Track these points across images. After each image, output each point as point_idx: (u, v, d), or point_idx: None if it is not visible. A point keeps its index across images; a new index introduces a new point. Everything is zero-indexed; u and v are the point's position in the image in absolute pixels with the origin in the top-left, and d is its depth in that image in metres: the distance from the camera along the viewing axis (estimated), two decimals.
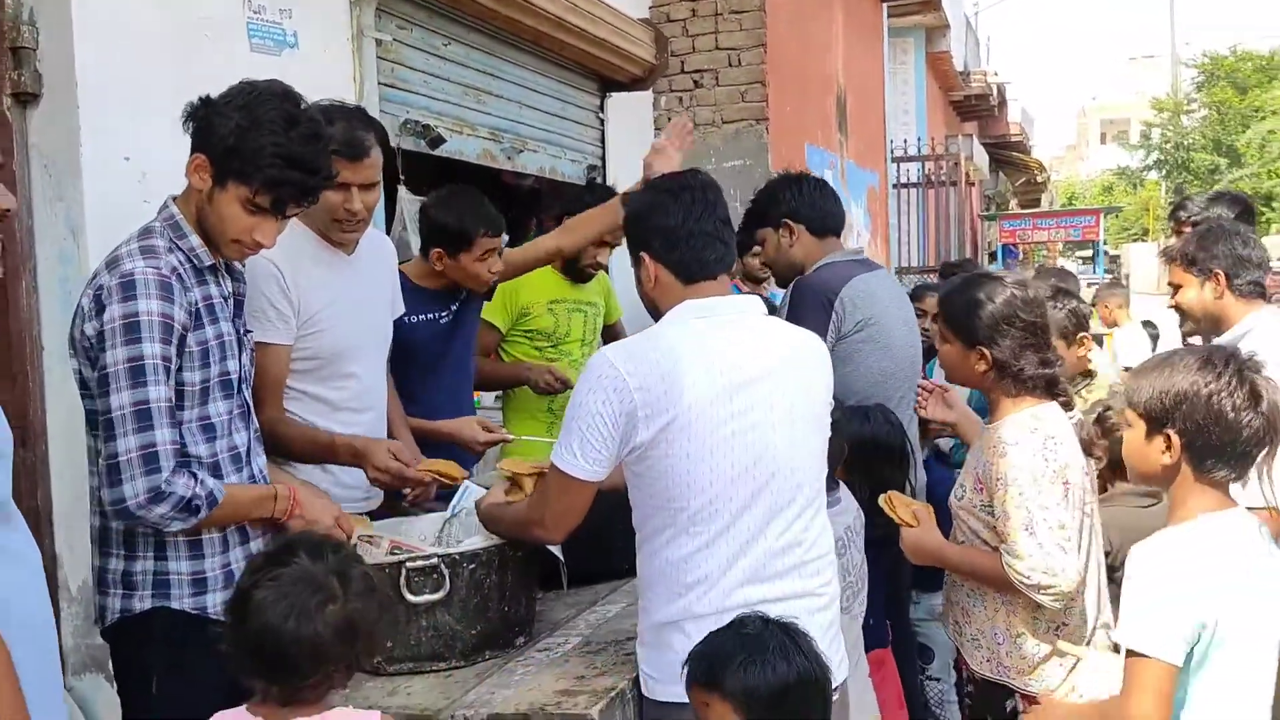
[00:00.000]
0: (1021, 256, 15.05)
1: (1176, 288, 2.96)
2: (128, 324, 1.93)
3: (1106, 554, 2.61)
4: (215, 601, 2.07)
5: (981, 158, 15.40)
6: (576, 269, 3.70)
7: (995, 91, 16.91)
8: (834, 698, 1.97)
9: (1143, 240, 32.76)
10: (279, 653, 1.52)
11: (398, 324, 2.83)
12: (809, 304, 2.94)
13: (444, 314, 3.09)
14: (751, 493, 1.98)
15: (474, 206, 3.06)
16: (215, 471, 2.08)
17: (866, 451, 2.78)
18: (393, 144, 3.56)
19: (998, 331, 2.39)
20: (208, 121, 2.03)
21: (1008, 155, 19.68)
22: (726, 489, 1.96)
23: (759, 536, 2.00)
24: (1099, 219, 13.51)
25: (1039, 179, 21.96)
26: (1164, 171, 32.36)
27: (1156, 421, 1.85)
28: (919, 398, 2.77)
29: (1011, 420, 2.40)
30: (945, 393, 2.78)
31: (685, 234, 2.01)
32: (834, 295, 2.93)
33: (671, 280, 2.03)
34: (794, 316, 2.88)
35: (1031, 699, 2.40)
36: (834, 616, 2.11)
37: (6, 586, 1.46)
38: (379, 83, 3.60)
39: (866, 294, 2.96)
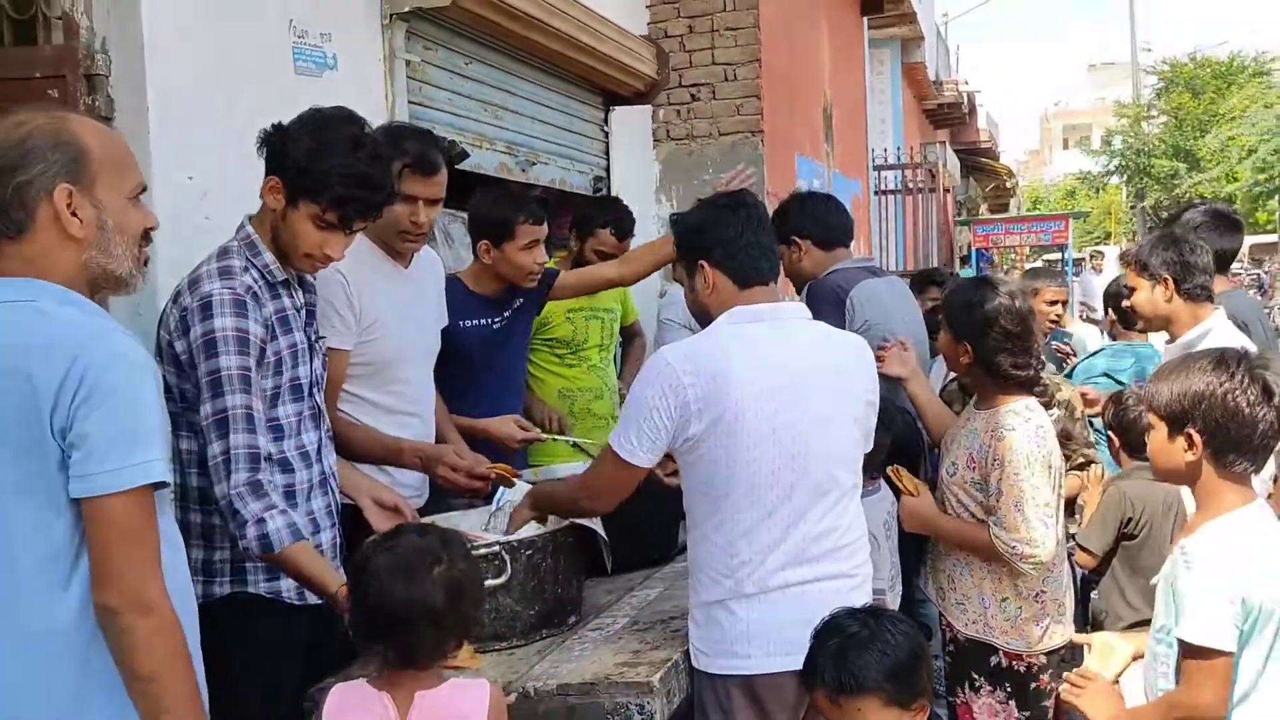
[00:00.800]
0: (994, 260, 15.40)
1: (1133, 290, 3.23)
2: (207, 341, 2.10)
3: (1128, 522, 2.93)
4: (289, 586, 2.23)
5: (954, 164, 15.77)
6: None
7: (966, 100, 17.29)
8: None
9: (1104, 243, 33.39)
10: (393, 612, 1.71)
11: (451, 327, 3.02)
12: (824, 301, 3.17)
13: (497, 320, 3.24)
14: (791, 484, 2.18)
15: (513, 198, 3.29)
16: (285, 467, 2.24)
17: (890, 453, 3.02)
18: None
19: (981, 332, 2.71)
20: (281, 146, 2.21)
21: (978, 161, 20.10)
22: (768, 479, 2.17)
23: (798, 523, 2.20)
24: (1068, 224, 13.89)
25: (1008, 184, 22.41)
26: (1125, 177, 32.99)
27: (1177, 422, 2.02)
28: (880, 351, 2.95)
29: (1009, 409, 2.71)
30: (904, 350, 3.07)
31: (743, 244, 2.25)
32: (845, 294, 3.17)
33: (729, 286, 2.26)
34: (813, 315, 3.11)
35: (1017, 656, 2.75)
36: (867, 594, 2.31)
37: (177, 572, 1.63)
38: (409, 101, 3.79)
39: (873, 296, 3.20)
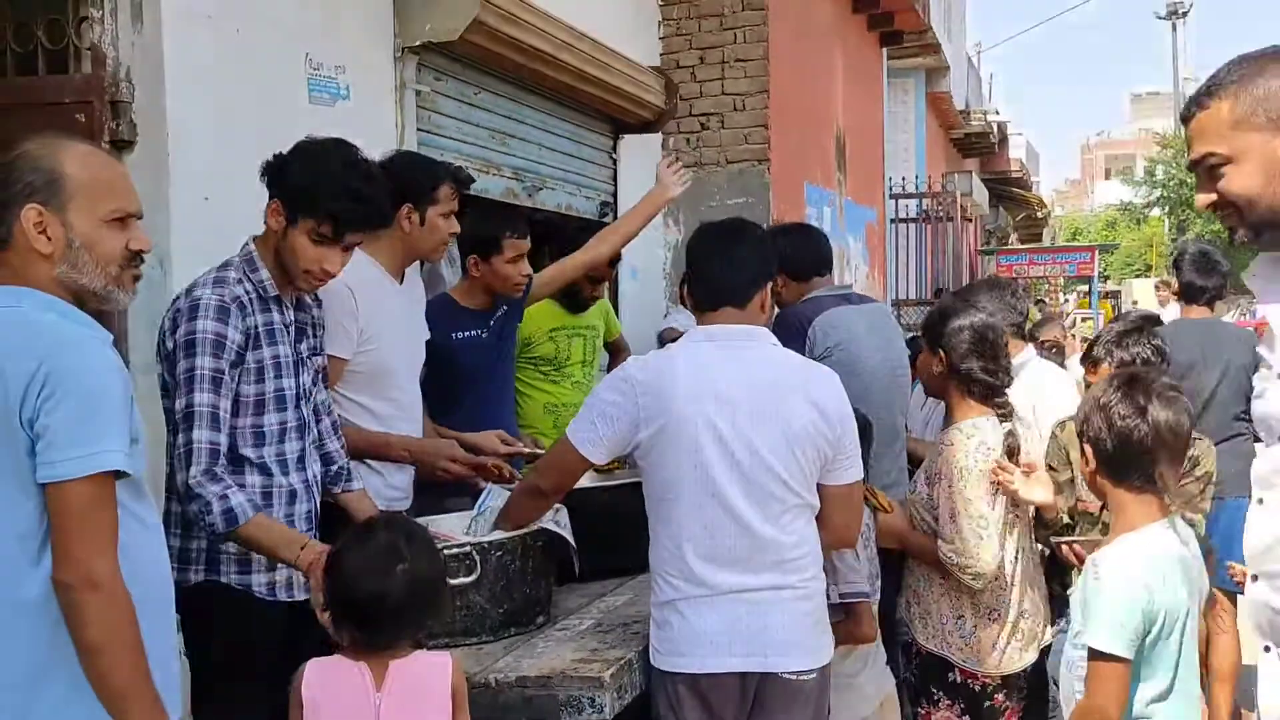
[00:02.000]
0: (1023, 290, 15.43)
1: None
2: (188, 341, 2.28)
3: None
4: (259, 582, 2.38)
5: (981, 194, 15.83)
6: (576, 300, 4.07)
7: (995, 129, 17.35)
8: (812, 681, 2.35)
9: (1145, 275, 33.11)
10: (359, 605, 1.91)
11: (444, 341, 3.22)
12: (786, 330, 3.30)
13: (484, 330, 3.43)
14: (734, 495, 2.32)
15: (499, 214, 3.57)
16: (265, 471, 2.39)
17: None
18: None
19: (953, 339, 2.92)
20: (281, 172, 2.42)
21: (1008, 191, 20.11)
22: (709, 488, 2.32)
23: (743, 534, 2.33)
24: (1094, 255, 13.93)
25: (1039, 214, 22.37)
26: (1167, 208, 32.73)
27: (1082, 435, 2.20)
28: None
29: (955, 427, 2.91)
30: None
31: (713, 268, 2.44)
32: (807, 323, 3.33)
33: (699, 307, 2.47)
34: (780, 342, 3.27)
35: (971, 674, 2.86)
36: (815, 607, 2.41)
37: (144, 551, 1.79)
38: (418, 129, 4.01)
39: (837, 323, 3.33)
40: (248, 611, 2.37)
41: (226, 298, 2.32)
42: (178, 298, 2.38)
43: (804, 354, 3.03)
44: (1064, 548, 2.88)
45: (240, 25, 3.19)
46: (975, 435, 2.86)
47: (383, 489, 2.91)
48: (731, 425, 2.31)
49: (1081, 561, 2.69)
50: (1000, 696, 2.95)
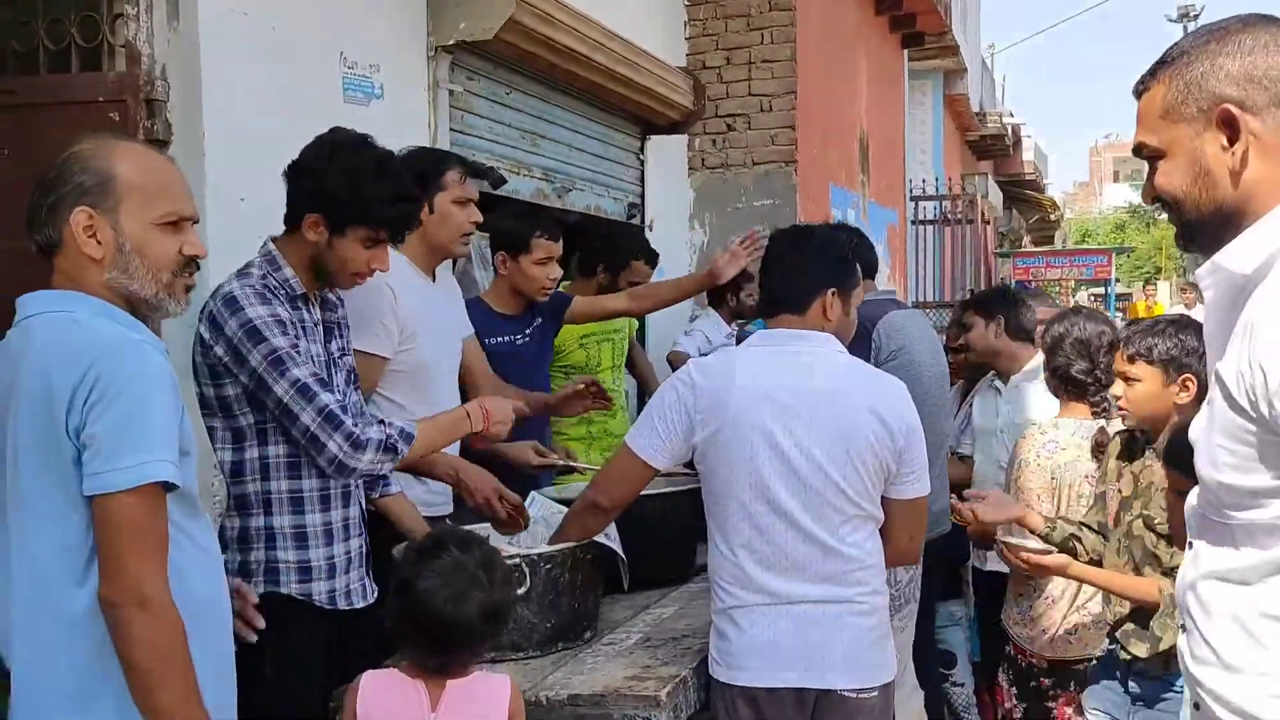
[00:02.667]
0: (1037, 292, 15.34)
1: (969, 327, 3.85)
2: (248, 330, 2.19)
3: None
4: (320, 590, 2.33)
5: (996, 196, 15.75)
6: None
7: (1010, 132, 17.25)
8: (874, 699, 2.28)
9: (1155, 279, 33.00)
10: (435, 631, 1.84)
11: (481, 344, 3.16)
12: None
13: (519, 336, 3.38)
14: (790, 502, 2.26)
15: (530, 213, 3.51)
16: (294, 472, 2.31)
17: None
18: None
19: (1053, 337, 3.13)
20: (314, 184, 2.31)
21: (1022, 193, 20.01)
22: (765, 494, 2.26)
23: (799, 542, 2.26)
24: (1110, 259, 13.84)
25: (1052, 217, 22.27)
26: None
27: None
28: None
29: (1035, 422, 3.24)
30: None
31: (772, 276, 2.42)
32: (871, 326, 3.26)
33: (765, 313, 2.45)
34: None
35: (1021, 650, 3.10)
36: (877, 623, 2.33)
37: (196, 570, 1.72)
38: (450, 129, 3.94)
39: (899, 327, 3.28)
40: (308, 621, 2.31)
41: (258, 285, 2.27)
42: (204, 306, 2.30)
43: (869, 357, 2.99)
44: (1005, 550, 2.74)
45: (277, 23, 3.13)
46: (1049, 433, 3.01)
47: (423, 494, 2.83)
48: (787, 431, 2.25)
49: (1028, 567, 2.66)
50: (1048, 680, 2.96)
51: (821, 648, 2.25)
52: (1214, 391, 1.33)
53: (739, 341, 5.38)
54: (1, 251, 2.83)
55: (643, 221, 5.65)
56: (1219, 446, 1.32)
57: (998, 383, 3.82)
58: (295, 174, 2.34)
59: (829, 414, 2.27)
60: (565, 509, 2.82)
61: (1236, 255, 1.31)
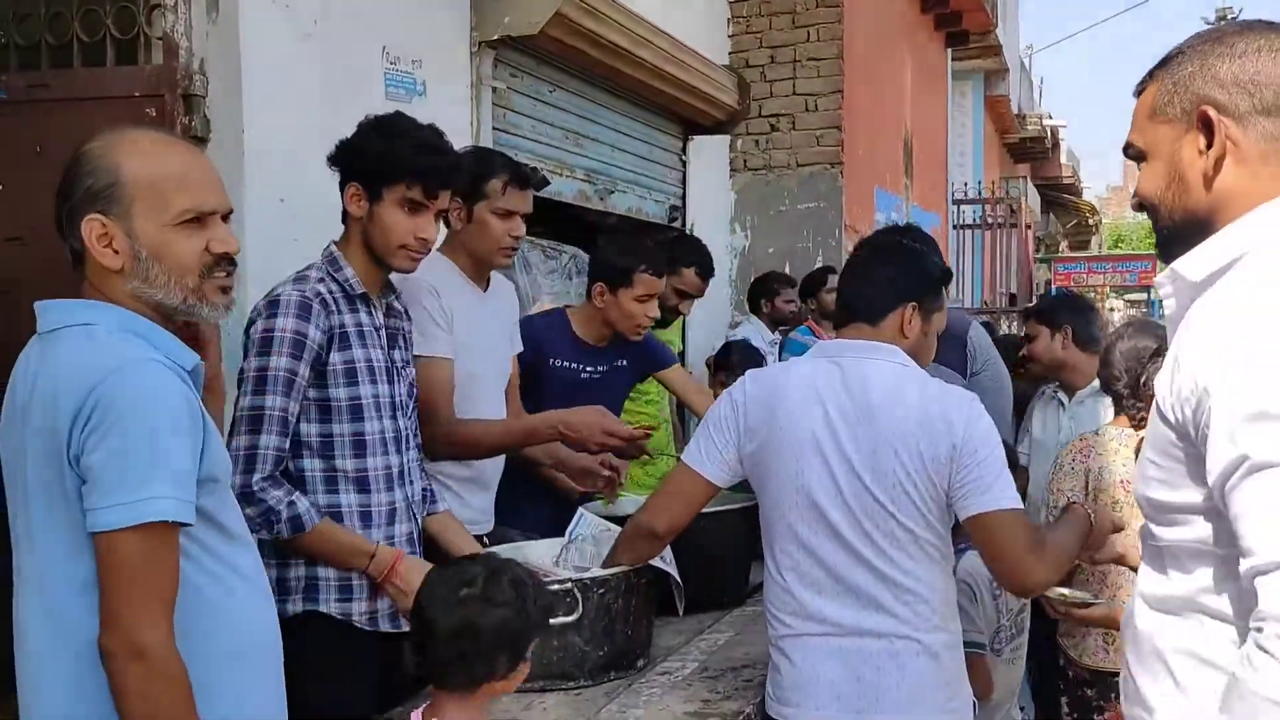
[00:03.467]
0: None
1: (1033, 338, 3.61)
2: (264, 338, 2.12)
3: None
4: (360, 610, 2.22)
5: (1034, 199, 15.48)
6: (661, 315, 3.82)
7: (1049, 134, 16.97)
8: None
9: None
10: (416, 629, 1.68)
11: (540, 362, 3.00)
12: (944, 343, 3.08)
13: (592, 370, 3.15)
14: (839, 522, 2.10)
15: (640, 245, 3.22)
16: (362, 487, 2.22)
17: None
18: None
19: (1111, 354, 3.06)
20: (351, 154, 2.27)
21: (1059, 197, 19.70)
22: (810, 513, 2.12)
23: (848, 565, 2.10)
24: (1155, 265, 13.53)
25: (1089, 221, 21.92)
26: None
27: None
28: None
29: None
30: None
31: (846, 288, 2.31)
32: (964, 334, 3.11)
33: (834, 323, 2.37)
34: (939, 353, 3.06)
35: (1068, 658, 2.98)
36: (946, 665, 2.14)
37: (242, 604, 1.58)
38: (493, 127, 3.81)
39: (985, 344, 3.15)
40: (348, 643, 2.20)
41: (309, 293, 2.17)
42: (256, 307, 2.22)
43: (964, 364, 2.85)
44: (1048, 602, 2.56)
45: (318, 15, 3.00)
46: (1089, 439, 2.99)
47: (459, 510, 2.69)
48: (836, 446, 2.10)
49: (1072, 620, 2.56)
50: (1090, 691, 2.86)
51: (876, 688, 2.08)
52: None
53: (781, 349, 5.24)
54: (38, 257, 2.75)
55: (684, 224, 5.50)
56: (1148, 460, 1.27)
57: (1061, 395, 3.63)
58: (335, 154, 2.30)
59: (879, 430, 2.10)
60: (615, 527, 2.69)
61: (1192, 263, 1.24)
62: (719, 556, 2.99)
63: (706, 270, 3.89)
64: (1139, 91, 1.33)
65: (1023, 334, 3.73)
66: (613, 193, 4.76)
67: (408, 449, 2.36)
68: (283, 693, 1.66)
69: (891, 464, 2.09)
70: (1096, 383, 3.51)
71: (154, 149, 1.55)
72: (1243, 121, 1.20)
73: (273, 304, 2.15)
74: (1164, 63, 1.29)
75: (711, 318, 5.76)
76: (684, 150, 5.54)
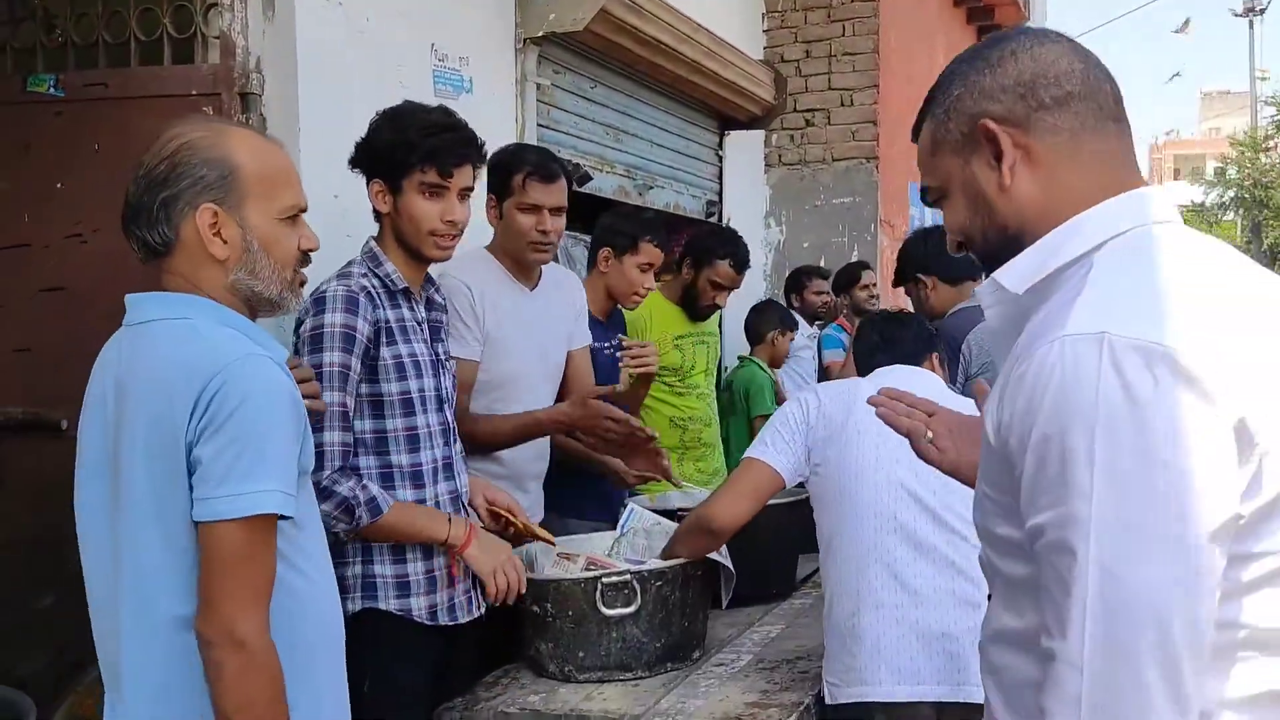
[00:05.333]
0: None
1: None
2: (314, 335, 2.14)
3: None
4: (420, 605, 2.23)
5: None
6: (696, 308, 3.83)
7: None
8: None
9: None
10: None
11: None
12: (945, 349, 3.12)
13: (607, 346, 3.18)
14: (932, 506, 2.23)
15: (643, 218, 3.40)
16: (418, 480, 2.24)
17: None
18: None
19: None
20: (367, 151, 2.31)
21: None
22: (903, 501, 2.24)
23: (943, 542, 2.23)
24: None
25: None
26: (1240, 210, 31.70)
27: None
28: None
29: None
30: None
31: (870, 359, 2.52)
32: (959, 340, 3.11)
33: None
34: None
35: None
36: None
37: (321, 595, 1.62)
38: (538, 124, 3.83)
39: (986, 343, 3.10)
40: (407, 638, 2.22)
41: (354, 288, 2.19)
42: (305, 302, 2.22)
43: (958, 372, 2.88)
44: None
45: (371, 13, 3.03)
46: None
47: (521, 499, 2.70)
48: (896, 457, 2.19)
49: None
50: None
51: (962, 658, 2.16)
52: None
53: (820, 344, 5.24)
54: (97, 254, 2.79)
55: (720, 219, 5.51)
56: (980, 486, 1.14)
57: None
58: (354, 155, 2.35)
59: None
60: (665, 520, 2.70)
61: (1012, 273, 1.15)
62: (768, 550, 3.00)
63: (741, 263, 3.88)
64: (915, 135, 1.28)
65: None
66: (651, 188, 4.78)
67: (455, 441, 2.38)
68: (345, 686, 1.68)
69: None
70: None
71: (259, 144, 1.61)
72: (1025, 125, 1.14)
73: (319, 301, 2.16)
74: (929, 100, 1.24)
75: (745, 310, 5.76)
76: (720, 145, 5.54)
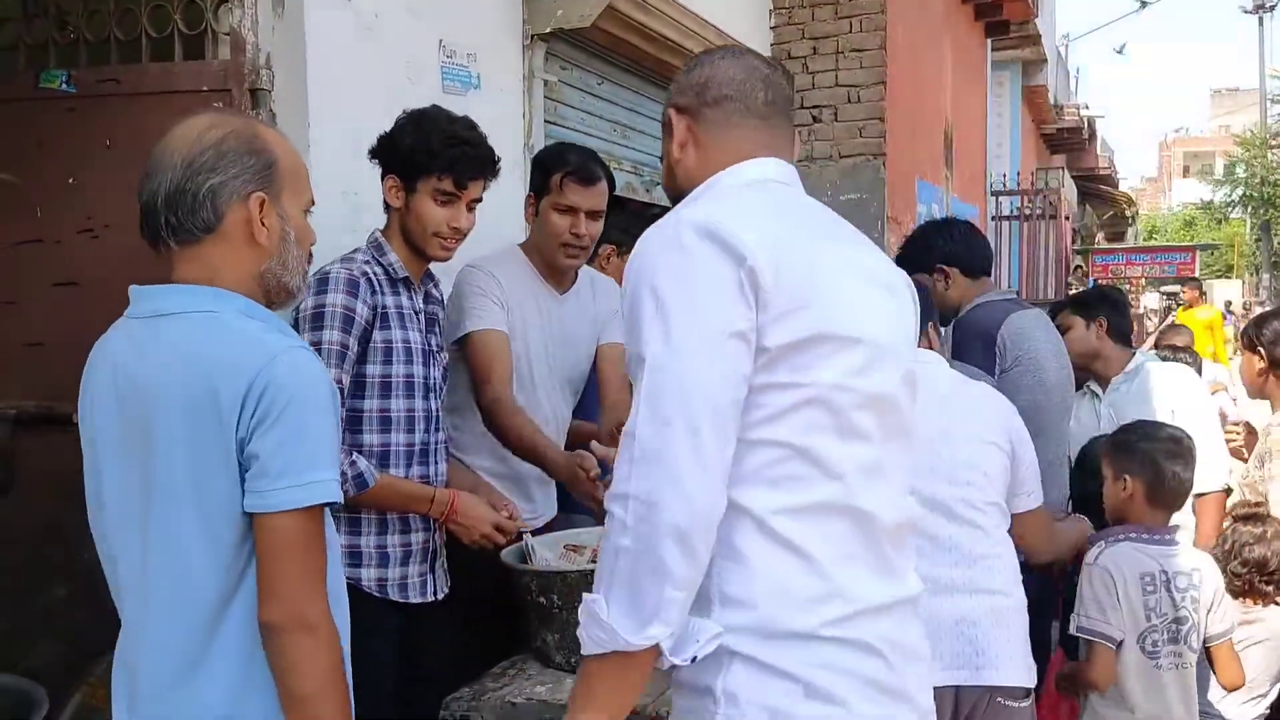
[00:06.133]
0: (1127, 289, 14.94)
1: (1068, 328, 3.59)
2: (316, 313, 2.21)
3: None
4: (369, 577, 2.30)
5: (1071, 191, 15.33)
6: None
7: (1086, 125, 16.80)
8: (1028, 707, 2.20)
9: (1226, 276, 32.04)
10: None
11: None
12: (972, 338, 3.09)
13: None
14: (934, 491, 2.23)
15: (649, 215, 3.30)
16: (384, 461, 2.29)
17: None
18: None
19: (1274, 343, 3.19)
20: (388, 148, 2.38)
21: (1096, 188, 19.50)
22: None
23: (944, 526, 2.25)
24: (1195, 256, 13.39)
25: (1126, 212, 21.68)
26: (1249, 208, 31.55)
27: None
28: None
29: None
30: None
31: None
32: (994, 332, 3.08)
33: None
34: (958, 354, 3.04)
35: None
36: (1025, 623, 2.30)
37: (337, 579, 1.61)
38: (545, 120, 3.84)
39: (1022, 330, 3.09)
40: (364, 609, 2.22)
41: (356, 272, 2.26)
42: (309, 280, 2.26)
43: (994, 366, 2.84)
44: None
45: (379, 9, 3.04)
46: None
47: (522, 505, 2.70)
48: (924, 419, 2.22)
49: None
50: None
51: (979, 643, 2.20)
52: None
53: None
54: (109, 248, 2.81)
55: None
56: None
57: (1094, 385, 3.65)
58: (375, 147, 2.42)
59: (953, 414, 2.30)
60: None
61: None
62: None
63: None
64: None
65: (1058, 325, 3.71)
66: (658, 184, 4.79)
67: (436, 430, 2.42)
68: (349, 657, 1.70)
69: (975, 438, 2.30)
70: (1130, 366, 3.53)
71: (285, 141, 1.67)
72: (696, 115, 1.54)
73: (322, 281, 2.23)
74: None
75: None
76: None
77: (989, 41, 9.20)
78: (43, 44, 2.99)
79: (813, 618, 1.31)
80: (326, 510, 1.52)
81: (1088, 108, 17.34)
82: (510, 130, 3.66)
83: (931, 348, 2.51)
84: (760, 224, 1.36)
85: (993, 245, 9.80)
